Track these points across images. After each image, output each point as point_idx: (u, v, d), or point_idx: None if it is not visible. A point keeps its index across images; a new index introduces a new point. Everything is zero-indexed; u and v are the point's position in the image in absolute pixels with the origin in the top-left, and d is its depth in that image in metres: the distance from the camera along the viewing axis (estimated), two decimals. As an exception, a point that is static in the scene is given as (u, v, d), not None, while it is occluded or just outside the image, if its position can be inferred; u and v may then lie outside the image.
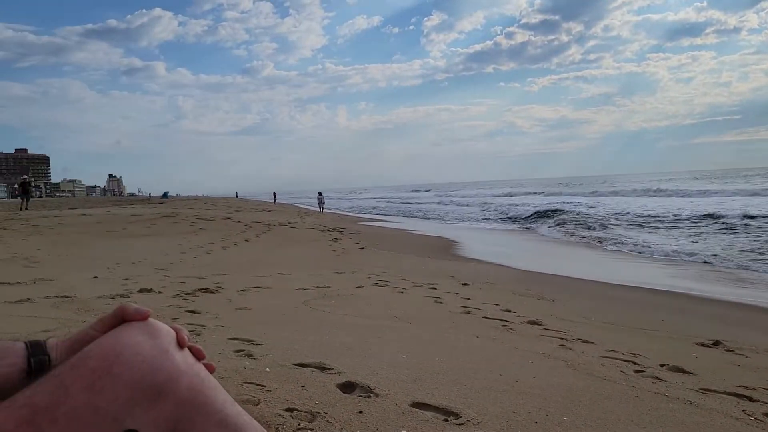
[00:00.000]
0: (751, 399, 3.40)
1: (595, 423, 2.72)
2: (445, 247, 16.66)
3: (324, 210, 42.22)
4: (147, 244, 14.05)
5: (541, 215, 30.03)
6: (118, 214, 24.00)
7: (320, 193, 45.43)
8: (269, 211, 36.34)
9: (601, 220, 25.06)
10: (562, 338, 4.97)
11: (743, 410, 3.13)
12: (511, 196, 62.44)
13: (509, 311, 6.31)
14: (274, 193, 69.26)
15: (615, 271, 11.66)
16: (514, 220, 30.34)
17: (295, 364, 3.44)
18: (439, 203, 58.00)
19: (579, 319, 6.25)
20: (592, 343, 4.86)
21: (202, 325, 4.57)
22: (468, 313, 6.07)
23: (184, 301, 5.87)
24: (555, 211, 30.92)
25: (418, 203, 61.20)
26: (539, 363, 3.95)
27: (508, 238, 21.77)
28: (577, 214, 28.42)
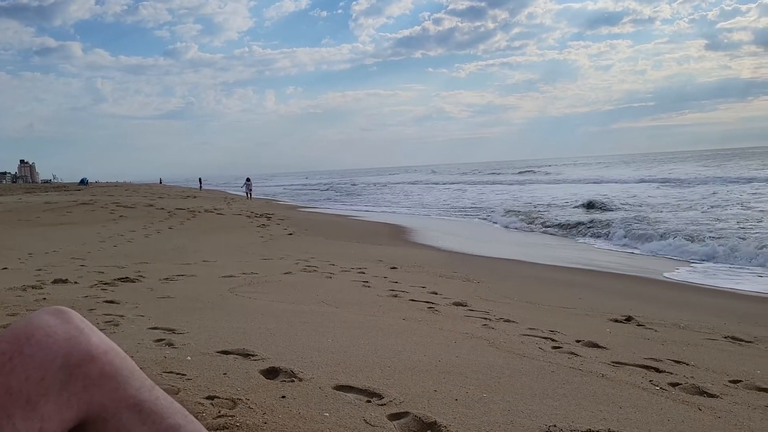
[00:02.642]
0: (657, 370, 3.60)
1: (512, 398, 2.81)
2: (378, 232, 16.76)
3: (252, 196, 41.35)
4: (62, 233, 13.43)
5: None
6: (30, 202, 22.80)
7: (248, 179, 44.29)
8: (195, 197, 35.43)
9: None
10: (486, 318, 5.10)
11: (650, 381, 3.31)
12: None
13: (436, 293, 6.42)
14: (200, 180, 67.59)
15: (537, 252, 12.07)
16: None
17: (218, 352, 3.38)
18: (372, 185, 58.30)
19: (502, 300, 6.43)
20: (514, 322, 5.01)
21: (121, 315, 4.42)
22: (395, 296, 6.13)
23: (102, 291, 5.65)
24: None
25: (352, 186, 61.57)
26: (462, 343, 4.04)
27: (443, 221, 22.12)
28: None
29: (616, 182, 43.68)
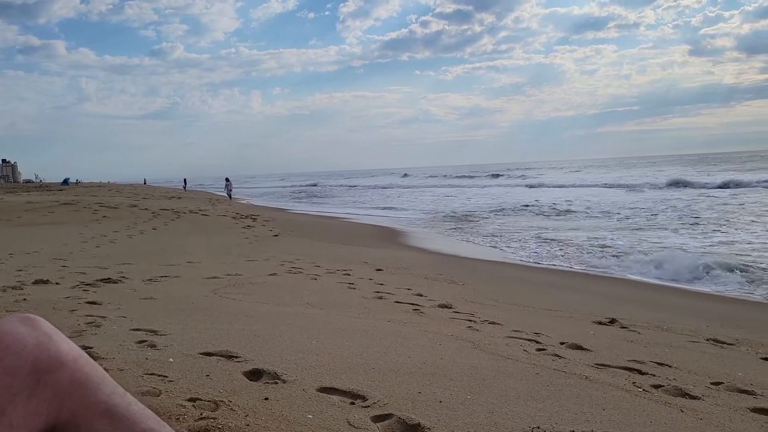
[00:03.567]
0: (640, 372, 3.62)
1: (496, 400, 2.81)
2: (363, 234, 16.73)
3: (233, 197, 40.85)
4: (44, 233, 13.28)
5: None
6: (11, 202, 22.52)
7: (228, 179, 43.51)
8: (179, 198, 35.16)
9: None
10: (471, 320, 5.11)
11: (633, 383, 3.33)
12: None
13: (421, 295, 6.42)
14: (185, 180, 67.08)
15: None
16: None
17: (201, 354, 3.35)
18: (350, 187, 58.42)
19: (488, 302, 6.44)
20: (499, 324, 5.02)
21: (103, 317, 4.36)
22: (380, 298, 6.12)
23: (83, 292, 5.58)
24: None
25: (338, 188, 61.73)
26: (447, 345, 4.04)
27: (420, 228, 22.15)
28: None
29: (584, 186, 44.17)
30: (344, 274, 7.85)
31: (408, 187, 59.47)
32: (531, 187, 47.38)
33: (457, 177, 76.19)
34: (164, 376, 2.87)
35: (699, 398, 3.11)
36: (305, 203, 38.37)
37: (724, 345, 4.82)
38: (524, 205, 26.49)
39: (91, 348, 3.34)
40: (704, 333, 5.23)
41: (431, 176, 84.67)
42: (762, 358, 4.43)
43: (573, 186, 45.10)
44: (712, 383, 3.49)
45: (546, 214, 22.46)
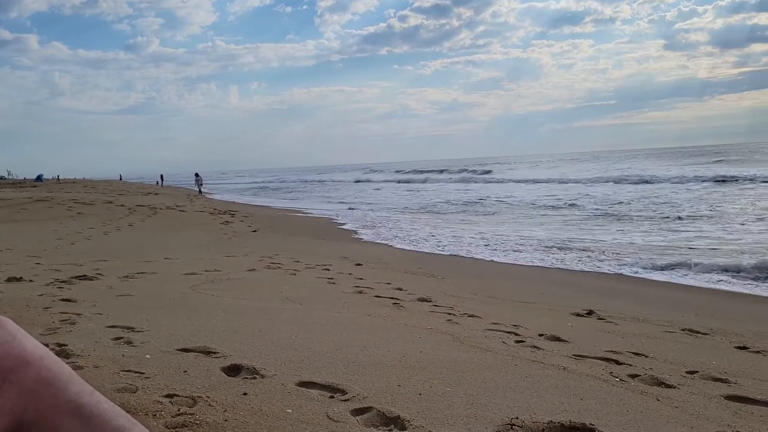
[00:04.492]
0: (617, 362, 3.66)
1: (475, 392, 2.82)
2: (339, 230, 16.69)
3: (203, 192, 40.14)
4: (17, 230, 13.04)
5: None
6: (-16, 199, 22.05)
7: (197, 174, 42.52)
8: (156, 194, 34.79)
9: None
10: (450, 313, 5.12)
11: (610, 373, 3.37)
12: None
13: (401, 289, 6.42)
14: (161, 176, 66.25)
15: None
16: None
17: (178, 350, 3.32)
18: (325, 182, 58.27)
19: (467, 295, 6.47)
20: (478, 317, 5.04)
21: (78, 314, 4.29)
22: (360, 292, 6.12)
23: (58, 290, 5.49)
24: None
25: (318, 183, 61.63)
26: (427, 338, 4.04)
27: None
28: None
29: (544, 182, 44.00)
30: (324, 269, 7.82)
31: (370, 182, 59.76)
32: (499, 182, 47.33)
33: (424, 173, 75.63)
34: (141, 373, 2.84)
35: (674, 387, 3.15)
36: (281, 199, 38.32)
37: (699, 335, 4.90)
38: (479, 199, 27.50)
39: (66, 345, 3.29)
40: (679, 323, 5.31)
41: (398, 171, 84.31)
42: (736, 347, 4.51)
43: (548, 181, 44.89)
44: (687, 372, 3.54)
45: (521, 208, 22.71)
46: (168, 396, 2.53)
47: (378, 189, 46.88)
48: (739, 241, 11.62)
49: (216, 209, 21.41)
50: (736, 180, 29.89)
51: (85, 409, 1.01)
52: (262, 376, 2.87)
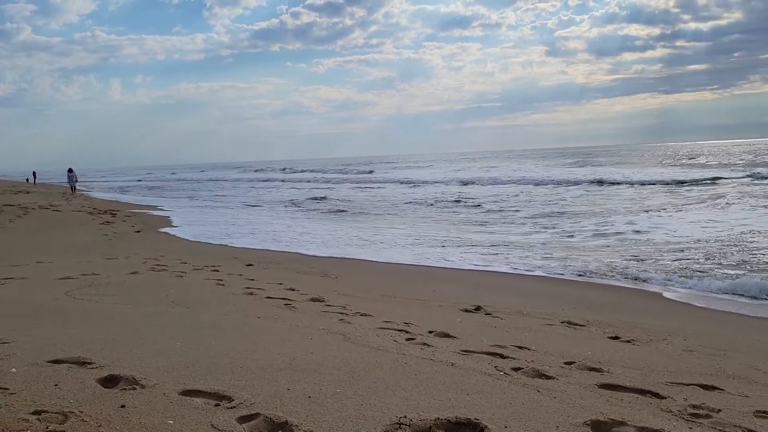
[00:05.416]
0: (502, 356, 3.80)
1: (365, 392, 2.82)
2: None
3: (76, 190, 37.14)
4: None
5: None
6: None
7: (71, 170, 38.59)
8: (27, 192, 32.25)
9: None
10: (342, 313, 5.11)
11: (495, 367, 3.49)
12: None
13: (293, 290, 6.34)
14: (34, 173, 61.51)
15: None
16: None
17: (49, 362, 3.07)
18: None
19: (360, 294, 6.50)
20: (370, 315, 5.07)
21: (-69, 326, 3.88)
22: (251, 293, 5.97)
23: None
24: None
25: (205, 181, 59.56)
26: (318, 339, 4.01)
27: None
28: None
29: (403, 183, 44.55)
30: (212, 271, 7.58)
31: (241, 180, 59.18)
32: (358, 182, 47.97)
33: (296, 172, 75.04)
34: (5, 389, 2.60)
35: (554, 378, 3.31)
36: (167, 198, 36.82)
37: (576, 326, 5.20)
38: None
39: None
40: (559, 316, 5.61)
41: (272, 169, 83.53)
42: (609, 337, 4.82)
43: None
44: (565, 363, 3.74)
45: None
46: (35, 413, 2.33)
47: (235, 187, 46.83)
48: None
49: (95, 208, 20.20)
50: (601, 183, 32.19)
51: None
52: (142, 387, 2.71)
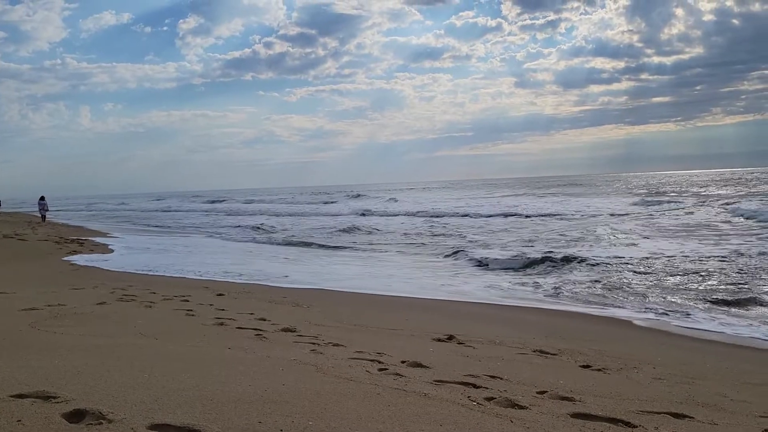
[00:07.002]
0: (475, 386, 3.80)
1: (338, 424, 2.79)
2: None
3: (47, 219, 36.35)
4: None
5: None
6: None
7: (42, 198, 37.79)
8: (-8, 221, 31.50)
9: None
10: (315, 343, 5.07)
11: (468, 397, 3.48)
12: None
13: (264, 320, 6.27)
14: (-1, 201, 60.14)
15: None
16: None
17: (11, 396, 2.97)
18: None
19: (332, 323, 6.45)
20: (343, 345, 5.03)
21: None
22: (221, 324, 5.89)
23: None
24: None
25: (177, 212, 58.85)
26: (290, 370, 3.96)
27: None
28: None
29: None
30: (182, 300, 7.46)
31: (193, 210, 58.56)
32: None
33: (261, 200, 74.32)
34: (-37, 426, 2.51)
35: (526, 408, 3.32)
36: (137, 228, 36.18)
37: (548, 355, 5.23)
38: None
39: None
40: (531, 345, 5.64)
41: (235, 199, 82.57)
42: (580, 366, 4.86)
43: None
44: (538, 392, 3.75)
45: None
46: (-5, 450, 2.26)
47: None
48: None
49: (62, 237, 19.80)
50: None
51: None
52: (109, 421, 2.64)
